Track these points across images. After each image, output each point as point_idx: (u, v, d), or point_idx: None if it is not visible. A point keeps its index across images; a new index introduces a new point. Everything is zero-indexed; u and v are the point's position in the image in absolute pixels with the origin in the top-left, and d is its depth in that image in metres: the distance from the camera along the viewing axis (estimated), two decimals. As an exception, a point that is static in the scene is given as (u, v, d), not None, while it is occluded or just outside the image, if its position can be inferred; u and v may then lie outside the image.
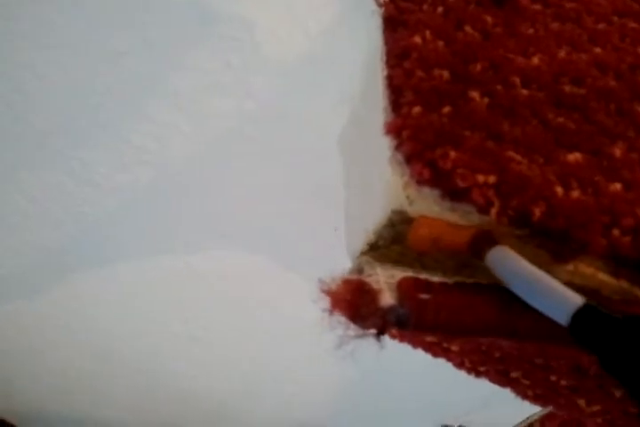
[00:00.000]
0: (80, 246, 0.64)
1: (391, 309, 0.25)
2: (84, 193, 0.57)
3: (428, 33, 0.34)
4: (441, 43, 0.34)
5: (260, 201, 0.55)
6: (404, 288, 0.26)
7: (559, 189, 0.29)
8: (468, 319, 0.26)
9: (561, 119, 0.32)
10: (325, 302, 0.26)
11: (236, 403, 0.80)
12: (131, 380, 0.81)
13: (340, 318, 0.26)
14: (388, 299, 0.26)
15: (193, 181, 0.56)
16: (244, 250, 0.60)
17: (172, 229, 0.60)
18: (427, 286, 0.27)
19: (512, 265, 0.29)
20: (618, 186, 0.30)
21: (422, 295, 0.26)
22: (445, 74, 0.32)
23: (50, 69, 0.49)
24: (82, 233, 0.62)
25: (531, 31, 0.35)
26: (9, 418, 0.88)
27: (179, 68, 0.49)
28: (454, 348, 0.34)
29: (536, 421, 0.64)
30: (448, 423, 0.59)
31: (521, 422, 0.60)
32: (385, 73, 0.34)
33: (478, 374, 0.36)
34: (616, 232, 0.28)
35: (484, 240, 0.29)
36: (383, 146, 0.32)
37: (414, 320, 0.26)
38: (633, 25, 0.38)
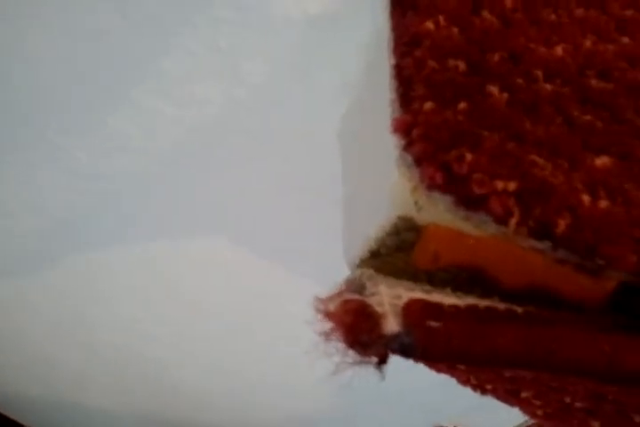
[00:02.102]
0: (61, 234, 0.62)
1: (396, 337, 0.22)
2: (64, 180, 0.54)
3: (441, 18, 0.30)
4: (456, 29, 0.30)
5: (250, 193, 0.53)
6: (411, 314, 0.23)
7: (586, 199, 0.26)
8: (480, 350, 0.23)
9: (587, 117, 0.29)
10: (322, 324, 0.23)
11: (223, 394, 0.78)
12: (118, 369, 0.79)
13: (337, 344, 0.23)
14: (392, 325, 0.23)
15: (179, 170, 0.53)
16: (235, 241, 0.57)
17: (157, 219, 0.58)
18: (436, 311, 0.24)
19: None
20: (650, 195, 0.27)
21: (431, 323, 0.23)
22: (461, 65, 0.29)
23: (24, 49, 0.46)
24: (62, 221, 0.60)
25: (553, 17, 0.32)
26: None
27: (164, 49, 0.46)
28: (461, 366, 0.32)
29: (534, 424, 0.63)
30: (442, 425, 0.58)
31: (518, 425, 0.59)
32: (392, 62, 0.30)
33: (484, 391, 0.33)
34: (647, 247, 0.26)
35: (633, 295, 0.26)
36: (389, 144, 0.29)
37: (421, 350, 0.23)
38: (663, 12, 0.35)
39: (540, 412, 0.32)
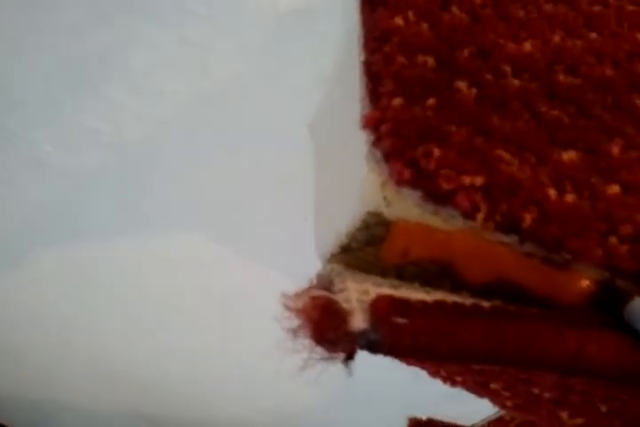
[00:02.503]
0: (31, 229, 0.61)
1: (362, 333, 0.22)
2: (33, 175, 0.53)
3: (411, 13, 0.30)
4: (425, 25, 0.30)
5: (221, 188, 0.52)
6: (377, 311, 0.23)
7: (552, 193, 0.26)
8: (447, 346, 0.23)
9: (555, 112, 0.29)
10: (289, 321, 0.23)
11: (197, 391, 0.78)
12: (90, 366, 0.79)
13: (305, 341, 0.23)
14: (359, 322, 0.23)
15: (149, 165, 0.52)
16: (205, 236, 0.57)
17: (128, 214, 0.57)
18: (403, 307, 0.24)
19: None
20: (616, 188, 0.27)
21: (398, 320, 0.23)
22: (430, 61, 0.29)
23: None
24: (32, 216, 0.59)
25: (522, 13, 0.32)
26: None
27: (132, 43, 0.45)
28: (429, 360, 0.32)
29: (506, 413, 0.63)
30: (416, 416, 0.58)
31: (492, 415, 0.59)
32: (362, 58, 0.30)
33: (454, 383, 0.33)
34: (613, 240, 0.26)
35: (616, 294, 0.26)
36: (359, 139, 0.29)
37: (388, 347, 0.23)
38: (631, 8, 0.35)
39: (509, 403, 0.33)
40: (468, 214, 0.26)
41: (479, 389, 0.32)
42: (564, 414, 0.32)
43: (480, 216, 0.26)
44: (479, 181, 0.26)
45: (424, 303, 0.25)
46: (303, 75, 0.43)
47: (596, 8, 0.34)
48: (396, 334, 0.23)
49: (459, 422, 0.58)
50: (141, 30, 0.45)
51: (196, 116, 0.49)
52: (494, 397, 0.33)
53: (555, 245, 0.26)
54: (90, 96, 0.49)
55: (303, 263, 0.31)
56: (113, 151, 0.51)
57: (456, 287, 0.28)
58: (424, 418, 0.57)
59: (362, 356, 0.33)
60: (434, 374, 0.33)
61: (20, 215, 0.60)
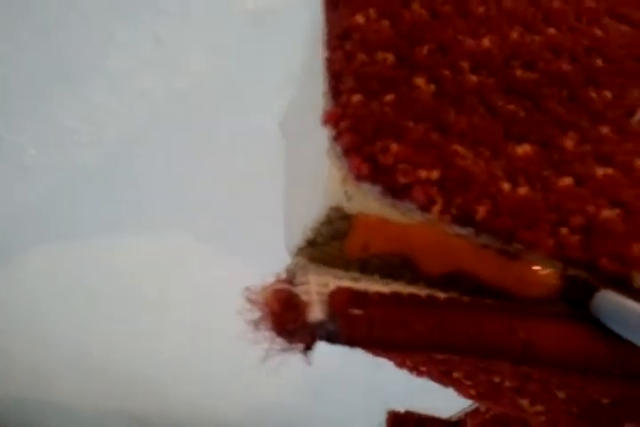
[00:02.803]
0: (14, 229, 0.61)
1: (320, 324, 0.23)
2: (15, 175, 0.54)
3: (372, 11, 0.31)
4: (386, 22, 0.31)
5: (199, 184, 0.53)
6: (335, 302, 0.24)
7: (506, 186, 0.27)
8: (401, 336, 0.24)
9: (511, 107, 0.30)
10: (251, 313, 0.24)
11: (184, 389, 0.78)
12: (72, 364, 0.79)
13: (266, 332, 0.24)
14: (317, 313, 0.23)
15: (129, 164, 0.53)
16: (182, 234, 0.57)
17: (108, 212, 0.58)
18: (360, 298, 0.25)
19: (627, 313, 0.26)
20: (568, 181, 0.28)
21: (354, 311, 0.24)
22: (390, 57, 0.29)
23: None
24: (14, 216, 0.59)
25: (482, 10, 0.33)
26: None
27: (108, 44, 0.46)
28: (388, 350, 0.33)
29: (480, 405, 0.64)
30: (395, 409, 0.59)
31: (468, 407, 0.60)
32: (325, 55, 0.31)
33: (420, 373, 0.34)
34: (564, 231, 0.27)
35: (582, 287, 0.27)
36: (323, 135, 0.30)
37: (345, 337, 0.23)
38: (590, 4, 0.36)
39: (472, 391, 0.34)
40: (425, 208, 0.27)
41: (443, 378, 0.33)
42: (525, 402, 0.33)
43: (436, 209, 0.27)
44: (435, 175, 0.27)
45: (381, 295, 0.26)
46: (275, 72, 0.43)
47: (556, 4, 0.35)
48: (353, 325, 0.24)
49: (436, 414, 0.58)
50: (117, 31, 0.45)
51: (173, 115, 0.49)
52: (458, 386, 0.33)
53: (507, 236, 0.26)
54: (69, 97, 0.49)
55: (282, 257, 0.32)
56: (94, 151, 0.52)
57: (415, 279, 0.29)
58: (402, 411, 0.58)
59: (337, 350, 0.34)
60: (400, 364, 0.34)
61: (4, 216, 0.60)
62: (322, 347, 0.33)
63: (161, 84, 0.47)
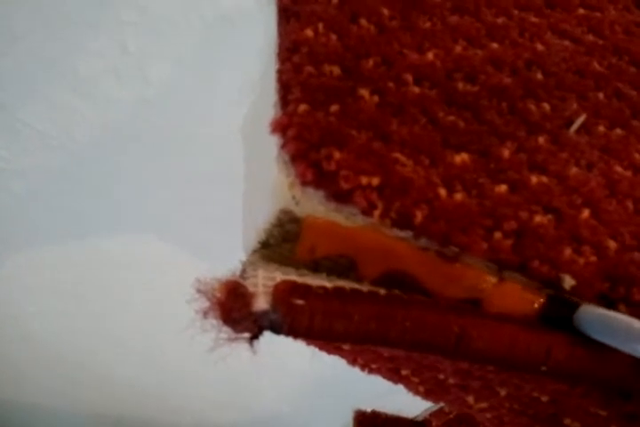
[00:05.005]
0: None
1: (264, 313, 0.25)
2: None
3: (320, 25, 0.32)
4: (334, 36, 0.32)
5: (166, 188, 0.54)
6: (278, 293, 0.25)
7: (442, 192, 0.28)
8: (340, 327, 0.25)
9: (451, 118, 0.31)
10: (200, 303, 0.26)
11: (158, 389, 0.79)
12: (52, 363, 0.80)
13: (213, 321, 0.25)
14: (261, 303, 0.25)
15: (99, 168, 0.54)
16: (151, 236, 0.59)
17: (79, 215, 0.59)
18: (303, 290, 0.26)
19: (612, 327, 0.26)
20: (503, 188, 0.30)
21: (296, 301, 0.25)
22: (336, 70, 0.31)
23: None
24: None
25: (427, 25, 0.35)
26: None
27: (77, 52, 0.47)
28: (346, 346, 0.34)
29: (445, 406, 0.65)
30: (361, 408, 0.60)
31: (432, 407, 0.62)
32: (276, 67, 0.32)
33: (371, 370, 0.36)
34: (498, 235, 0.28)
35: (561, 305, 0.28)
36: (274, 143, 0.31)
37: (287, 326, 0.25)
38: (534, 19, 0.38)
39: (421, 388, 0.35)
40: (366, 212, 0.28)
41: (392, 375, 0.34)
42: (470, 399, 0.34)
43: (377, 213, 0.28)
44: (375, 181, 0.28)
45: (324, 288, 0.27)
46: (233, 81, 0.45)
47: (500, 20, 0.37)
48: (295, 315, 0.25)
49: (402, 414, 0.60)
50: (84, 39, 0.46)
51: (138, 120, 0.50)
52: (407, 383, 0.35)
53: (443, 239, 0.28)
54: (40, 102, 0.50)
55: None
56: (63, 154, 0.53)
57: (360, 279, 0.30)
58: (369, 411, 0.59)
59: (302, 350, 0.36)
60: (352, 362, 0.36)
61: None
62: (289, 347, 0.34)
63: (127, 90, 0.48)
